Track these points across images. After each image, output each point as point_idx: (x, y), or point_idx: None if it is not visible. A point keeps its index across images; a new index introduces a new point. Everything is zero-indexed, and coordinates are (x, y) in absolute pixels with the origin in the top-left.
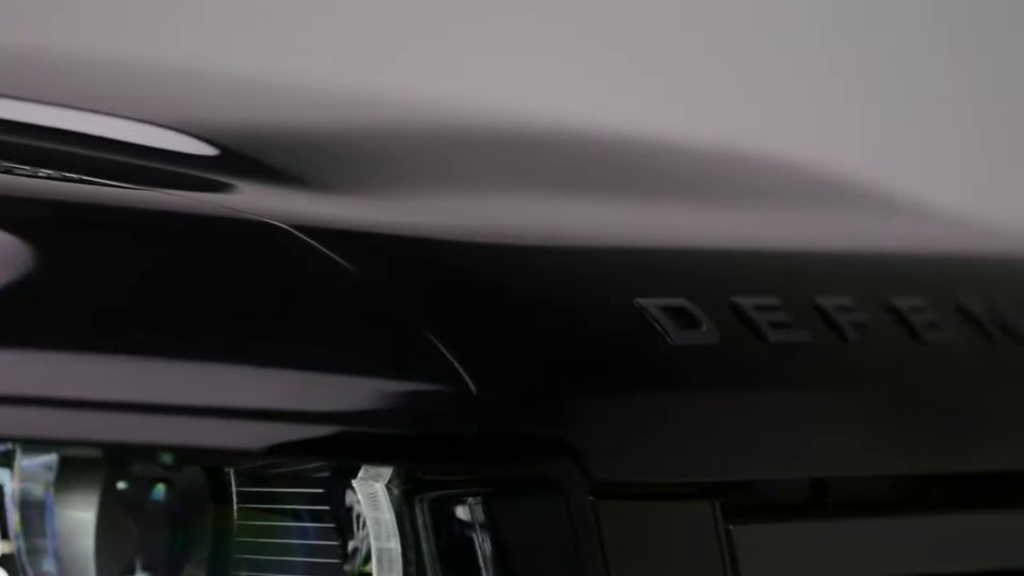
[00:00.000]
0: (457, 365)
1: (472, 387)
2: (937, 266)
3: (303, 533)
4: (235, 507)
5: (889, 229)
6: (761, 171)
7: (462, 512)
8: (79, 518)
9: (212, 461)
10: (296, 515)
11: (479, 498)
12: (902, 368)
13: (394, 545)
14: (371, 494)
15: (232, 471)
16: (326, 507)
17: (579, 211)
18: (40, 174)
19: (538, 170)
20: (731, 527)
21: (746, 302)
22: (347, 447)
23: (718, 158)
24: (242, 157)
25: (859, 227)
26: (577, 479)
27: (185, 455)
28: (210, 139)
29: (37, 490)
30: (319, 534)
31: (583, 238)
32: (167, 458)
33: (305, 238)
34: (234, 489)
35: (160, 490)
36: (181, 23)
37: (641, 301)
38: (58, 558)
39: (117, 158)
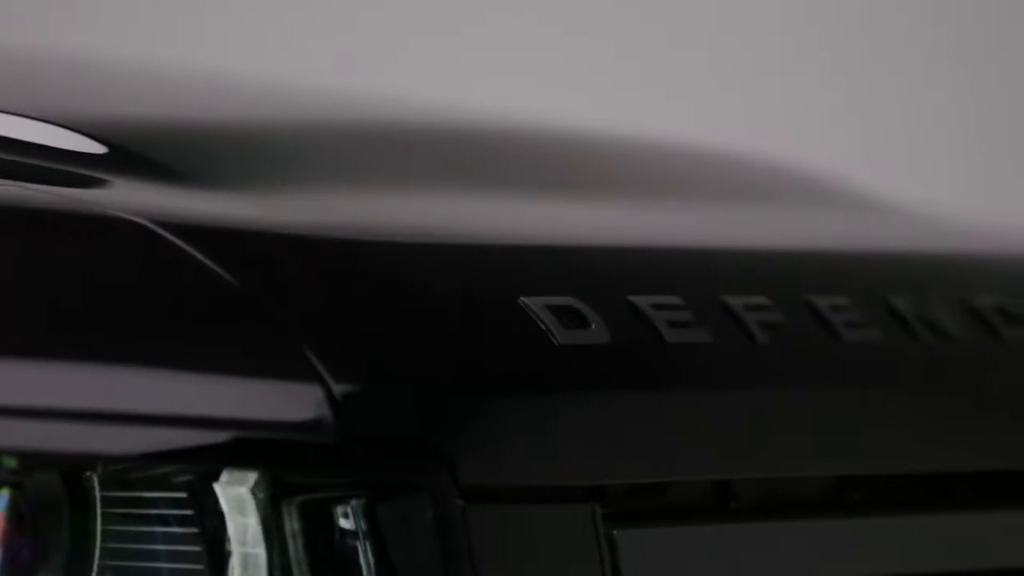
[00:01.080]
0: (318, 365)
1: (333, 389)
2: (865, 263)
3: (169, 539)
4: (98, 512)
5: (818, 223)
6: (682, 163)
7: (331, 518)
8: None
9: (65, 466)
10: (162, 520)
11: (348, 503)
12: (814, 368)
13: (260, 550)
14: (236, 498)
15: (96, 476)
16: (191, 512)
17: (468, 207)
18: None
19: (432, 165)
20: (615, 532)
21: (643, 301)
22: (208, 451)
23: (635, 150)
24: (124, 152)
25: (785, 221)
26: (445, 484)
27: (35, 460)
28: (91, 134)
29: None
30: (185, 540)
31: (467, 235)
32: (11, 462)
33: (165, 234)
34: (97, 494)
35: (4, 495)
36: (181, 23)
37: (526, 300)
38: None
39: None
